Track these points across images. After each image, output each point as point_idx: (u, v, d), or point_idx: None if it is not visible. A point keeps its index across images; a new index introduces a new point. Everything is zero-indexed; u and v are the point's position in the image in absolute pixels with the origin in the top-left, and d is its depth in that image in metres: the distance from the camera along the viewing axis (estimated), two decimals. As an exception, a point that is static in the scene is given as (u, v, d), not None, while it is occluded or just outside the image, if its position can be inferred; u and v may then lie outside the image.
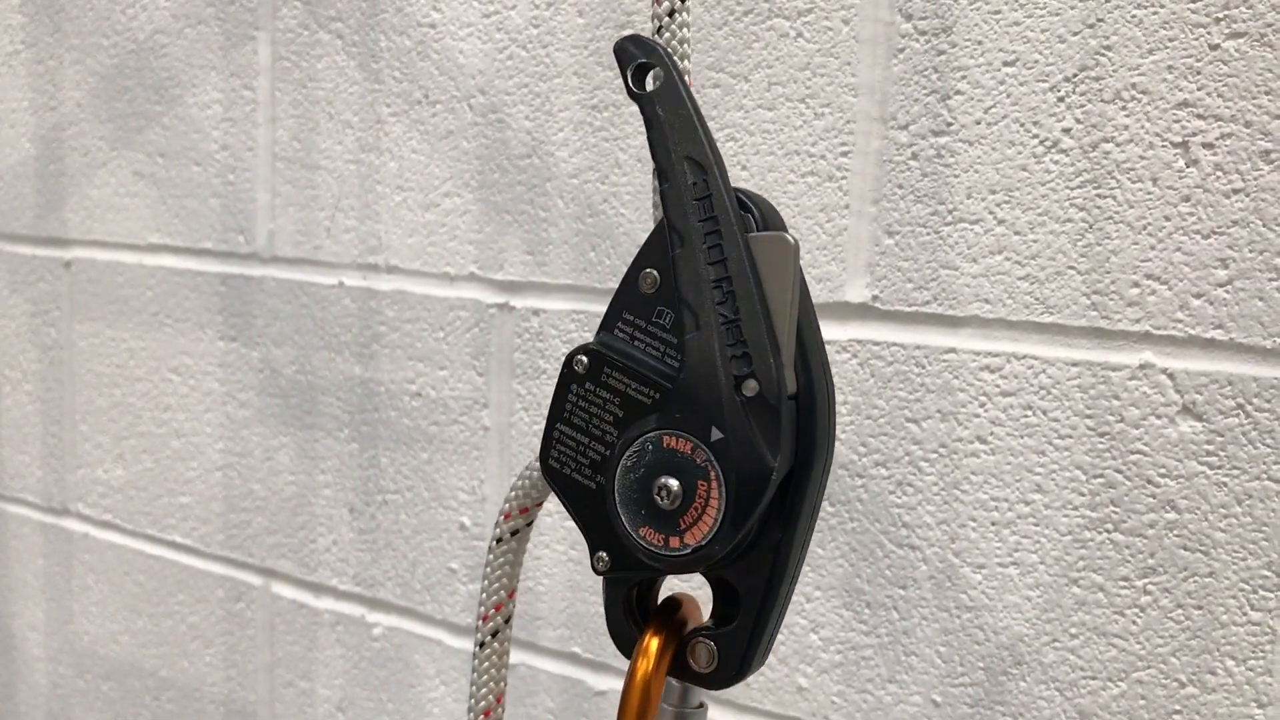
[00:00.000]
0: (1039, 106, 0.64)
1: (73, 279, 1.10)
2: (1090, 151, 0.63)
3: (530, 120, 0.82)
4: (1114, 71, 0.62)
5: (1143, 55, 0.61)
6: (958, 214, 0.66)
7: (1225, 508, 0.61)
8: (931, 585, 0.69)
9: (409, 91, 0.87)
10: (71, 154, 1.08)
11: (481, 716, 0.51)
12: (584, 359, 0.43)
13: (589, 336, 0.80)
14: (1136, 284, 0.62)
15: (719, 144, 0.71)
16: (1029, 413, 0.66)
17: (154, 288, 1.04)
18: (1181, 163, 0.61)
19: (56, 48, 1.08)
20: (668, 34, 0.46)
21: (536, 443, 0.74)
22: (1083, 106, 0.63)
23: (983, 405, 0.67)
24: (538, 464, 0.45)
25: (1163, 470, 0.62)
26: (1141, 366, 0.63)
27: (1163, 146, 0.61)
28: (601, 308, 0.85)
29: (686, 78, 0.44)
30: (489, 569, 0.50)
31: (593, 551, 0.43)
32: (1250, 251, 0.60)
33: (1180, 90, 0.61)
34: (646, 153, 0.83)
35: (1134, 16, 0.61)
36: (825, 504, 0.72)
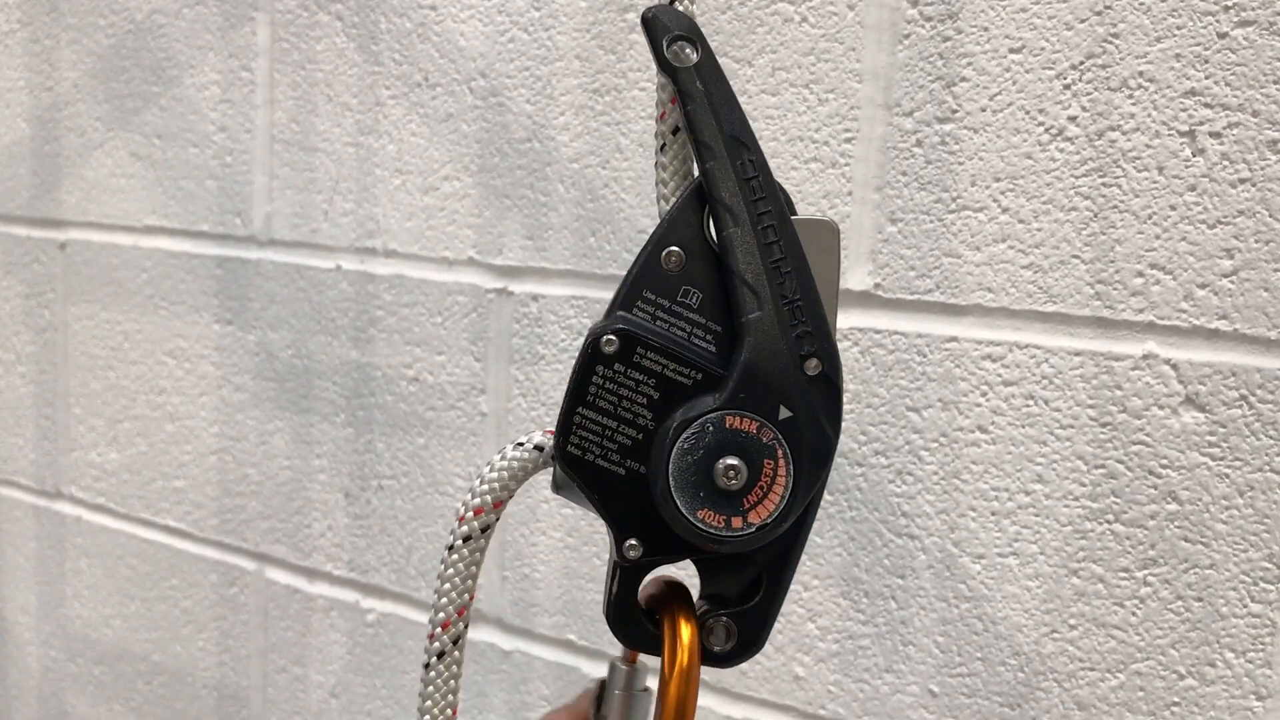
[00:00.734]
0: (1045, 94, 0.63)
1: (68, 260, 1.09)
2: (1096, 140, 0.62)
3: (531, 104, 0.81)
4: (1121, 59, 0.62)
5: (1150, 43, 0.61)
6: (961, 201, 0.66)
7: (1227, 499, 0.61)
8: (930, 575, 0.69)
9: (409, 74, 0.87)
10: (67, 135, 1.07)
11: None
12: (614, 339, 0.41)
13: (588, 322, 0.80)
14: (1141, 274, 0.62)
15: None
16: (1031, 402, 0.65)
17: (150, 270, 1.03)
18: (1188, 152, 0.60)
19: (53, 27, 1.08)
20: None
21: (534, 428, 0.73)
22: (1089, 94, 0.62)
23: (984, 394, 0.66)
24: (529, 449, 0.43)
25: (1165, 461, 0.62)
26: (1145, 357, 0.62)
27: (1169, 135, 0.61)
28: (602, 293, 0.85)
29: None
30: (460, 566, 0.44)
31: (620, 540, 0.41)
32: (1256, 242, 0.59)
33: (1188, 79, 0.60)
34: (648, 138, 0.82)
35: (1142, 4, 0.61)
36: (824, 493, 0.72)
